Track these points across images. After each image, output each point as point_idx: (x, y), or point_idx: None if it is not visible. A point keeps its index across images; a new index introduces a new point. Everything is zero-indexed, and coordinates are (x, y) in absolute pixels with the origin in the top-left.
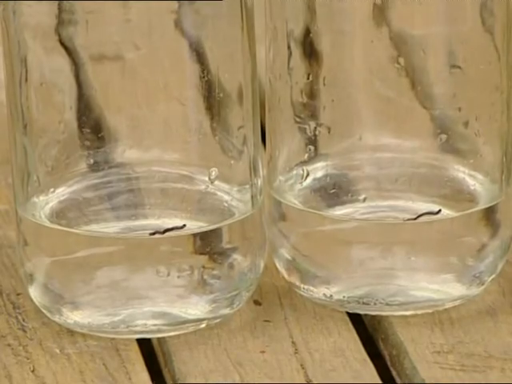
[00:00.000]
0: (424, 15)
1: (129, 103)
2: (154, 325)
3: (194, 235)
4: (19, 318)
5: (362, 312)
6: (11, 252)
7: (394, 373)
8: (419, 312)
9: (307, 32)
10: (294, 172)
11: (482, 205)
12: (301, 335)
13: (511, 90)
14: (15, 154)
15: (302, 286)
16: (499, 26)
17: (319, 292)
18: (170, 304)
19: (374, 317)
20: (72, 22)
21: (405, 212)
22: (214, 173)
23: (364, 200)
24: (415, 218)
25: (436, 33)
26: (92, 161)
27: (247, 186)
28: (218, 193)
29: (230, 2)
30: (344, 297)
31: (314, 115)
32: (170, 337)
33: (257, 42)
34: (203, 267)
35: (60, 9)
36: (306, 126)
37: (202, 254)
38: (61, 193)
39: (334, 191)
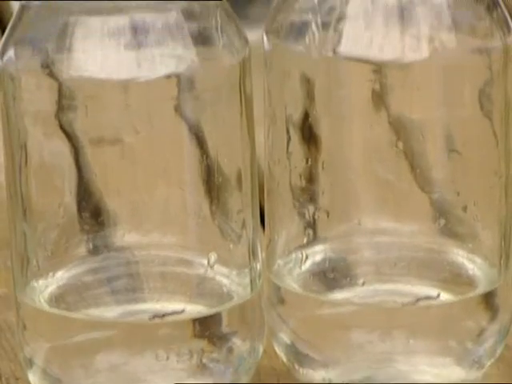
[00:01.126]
0: (423, 100)
1: (128, 187)
2: None
3: (194, 320)
4: None
5: None
6: (10, 336)
7: None
8: None
9: (306, 117)
10: (293, 256)
11: (481, 289)
12: None
13: (509, 174)
14: (14, 238)
15: (300, 369)
16: (497, 111)
17: (318, 376)
18: None
19: None
20: (72, 107)
21: (404, 296)
22: (213, 257)
23: (363, 284)
24: (414, 302)
25: (435, 117)
26: (91, 245)
27: (246, 270)
28: (217, 277)
29: (229, 88)
30: (343, 381)
31: (312, 199)
32: None
33: (256, 124)
34: (202, 351)
35: (60, 95)
36: (305, 210)
37: (201, 337)
38: (60, 277)
39: (333, 275)
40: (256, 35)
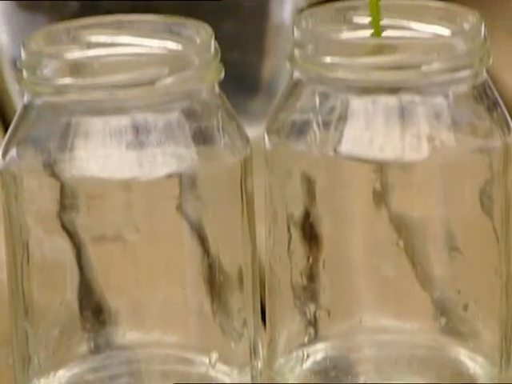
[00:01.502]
0: (423, 199)
1: (130, 285)
2: None
3: None
4: None
5: None
6: None
7: None
8: None
9: (307, 215)
10: (294, 354)
11: None
12: None
13: (510, 273)
14: (16, 336)
15: None
16: (498, 209)
17: None
18: None
19: None
20: (74, 207)
21: None
22: (214, 356)
23: (364, 382)
24: None
25: (435, 216)
26: (93, 343)
27: (247, 368)
28: (219, 375)
29: (230, 187)
30: None
31: (313, 298)
32: None
33: (257, 221)
34: None
35: (62, 194)
36: (306, 309)
37: None
38: (61, 376)
39: (334, 373)
40: (257, 131)
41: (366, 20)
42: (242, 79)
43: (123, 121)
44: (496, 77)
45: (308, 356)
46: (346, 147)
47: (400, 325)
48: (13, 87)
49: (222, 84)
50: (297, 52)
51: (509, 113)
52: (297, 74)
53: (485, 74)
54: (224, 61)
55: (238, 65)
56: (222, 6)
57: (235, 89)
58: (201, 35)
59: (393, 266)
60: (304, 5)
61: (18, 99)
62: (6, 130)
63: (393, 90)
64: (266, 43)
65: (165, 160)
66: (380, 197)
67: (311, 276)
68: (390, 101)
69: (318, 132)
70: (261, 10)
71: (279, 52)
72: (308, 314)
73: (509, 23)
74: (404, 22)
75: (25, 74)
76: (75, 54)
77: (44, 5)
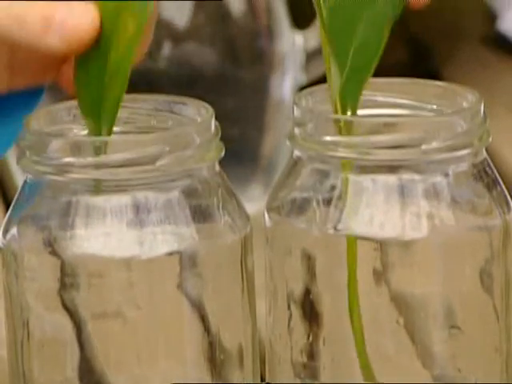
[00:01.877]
0: (423, 277)
1: (130, 363)
2: None
3: None
4: None
5: None
6: None
7: None
8: None
9: (307, 293)
10: None
11: None
12: None
13: (510, 351)
14: None
15: None
16: (498, 287)
17: None
18: None
19: None
20: (74, 285)
21: None
22: None
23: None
24: None
25: (435, 294)
26: None
27: None
28: None
29: (230, 265)
30: None
31: (314, 375)
32: None
33: (257, 297)
34: None
35: (62, 272)
36: None
37: None
38: None
39: None
40: (257, 207)
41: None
42: (242, 155)
43: (124, 199)
44: (496, 153)
45: None
46: (346, 225)
47: None
48: (14, 164)
49: (222, 159)
50: (297, 131)
51: (509, 189)
52: (297, 153)
53: (484, 152)
54: (224, 136)
55: (238, 141)
56: (222, 82)
57: (235, 164)
58: (201, 114)
59: (393, 343)
60: (304, 82)
61: (19, 176)
62: (7, 207)
63: (393, 168)
64: (266, 119)
65: (165, 238)
66: (380, 274)
67: (311, 353)
68: (390, 179)
69: (318, 210)
70: (261, 87)
71: (279, 128)
72: None
73: (508, 99)
74: (404, 101)
75: (27, 152)
76: (76, 133)
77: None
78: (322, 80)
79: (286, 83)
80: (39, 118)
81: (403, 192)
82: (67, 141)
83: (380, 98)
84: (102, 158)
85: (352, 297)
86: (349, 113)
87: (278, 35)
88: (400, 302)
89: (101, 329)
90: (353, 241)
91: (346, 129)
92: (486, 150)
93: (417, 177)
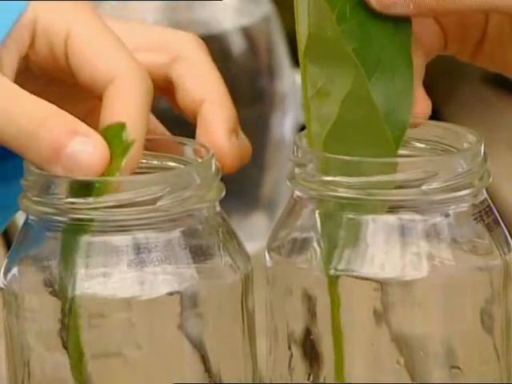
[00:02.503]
0: (424, 317)
1: None
2: None
3: None
4: None
5: None
6: None
7: None
8: None
9: (308, 333)
10: None
11: None
12: None
13: None
14: None
15: None
16: (498, 327)
17: None
18: None
19: None
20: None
21: None
22: None
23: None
24: None
25: (436, 334)
26: None
27: None
28: None
29: (231, 305)
30: None
31: None
32: None
33: (258, 336)
34: None
35: (63, 314)
36: None
37: None
38: None
39: None
40: (257, 246)
41: None
42: (242, 193)
43: (124, 239)
44: (496, 190)
45: None
46: (346, 265)
47: None
48: None
49: (222, 199)
50: (297, 171)
51: (509, 226)
52: (297, 193)
53: (484, 192)
54: (225, 176)
55: (238, 179)
56: None
57: (236, 203)
58: (201, 154)
59: (393, 383)
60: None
61: (20, 216)
62: (8, 247)
63: (393, 208)
64: (267, 159)
65: (166, 278)
66: (381, 315)
67: None
68: (390, 219)
69: (318, 250)
70: (261, 126)
71: (279, 167)
72: None
73: (508, 136)
74: (404, 141)
75: (28, 193)
76: None
77: None
78: None
79: (286, 122)
80: None
81: (403, 232)
82: (68, 181)
83: None
84: (103, 199)
85: (336, 335)
86: None
87: (279, 74)
88: (400, 342)
89: (101, 369)
90: (334, 280)
91: (346, 169)
92: (486, 188)
93: (417, 217)
